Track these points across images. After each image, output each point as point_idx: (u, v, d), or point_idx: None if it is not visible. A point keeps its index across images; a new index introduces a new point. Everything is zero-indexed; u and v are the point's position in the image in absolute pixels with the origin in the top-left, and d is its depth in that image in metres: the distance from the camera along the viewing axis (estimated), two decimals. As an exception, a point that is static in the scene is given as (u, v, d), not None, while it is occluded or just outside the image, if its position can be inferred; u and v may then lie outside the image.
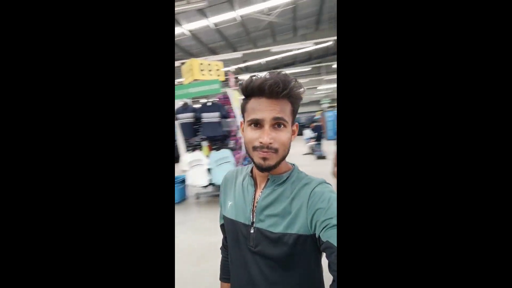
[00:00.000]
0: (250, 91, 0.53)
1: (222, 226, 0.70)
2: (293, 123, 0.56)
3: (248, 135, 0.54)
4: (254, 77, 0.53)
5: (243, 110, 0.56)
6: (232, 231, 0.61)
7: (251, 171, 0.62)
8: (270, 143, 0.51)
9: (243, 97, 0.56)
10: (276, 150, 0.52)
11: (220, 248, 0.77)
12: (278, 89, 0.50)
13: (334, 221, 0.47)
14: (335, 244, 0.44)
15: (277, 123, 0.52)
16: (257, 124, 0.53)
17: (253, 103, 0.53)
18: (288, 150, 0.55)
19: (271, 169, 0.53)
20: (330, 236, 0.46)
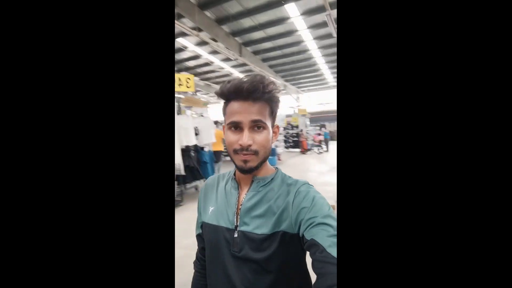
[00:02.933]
0: (227, 95, 0.54)
1: (198, 236, 0.67)
2: (273, 125, 0.57)
3: (229, 138, 0.54)
4: (231, 81, 0.54)
5: (224, 113, 0.57)
6: (213, 238, 0.59)
7: (234, 174, 0.62)
8: (250, 145, 0.52)
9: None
10: (256, 152, 0.53)
11: (194, 262, 0.72)
12: (255, 91, 0.51)
13: (318, 220, 0.48)
14: (319, 241, 0.45)
15: (256, 125, 0.53)
16: (236, 127, 0.53)
17: (232, 106, 0.54)
18: (269, 152, 0.56)
19: (252, 171, 0.54)
20: (314, 234, 0.46)
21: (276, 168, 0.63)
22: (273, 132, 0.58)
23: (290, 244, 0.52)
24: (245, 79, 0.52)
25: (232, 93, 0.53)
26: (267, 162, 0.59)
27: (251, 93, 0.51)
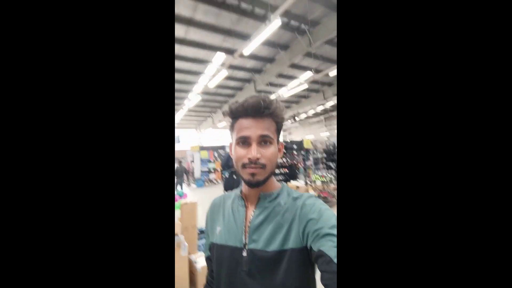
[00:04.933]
0: (236, 113, 0.58)
1: (208, 259, 0.67)
2: (278, 142, 0.60)
3: (237, 153, 0.57)
4: (237, 101, 0.58)
5: (232, 130, 0.60)
6: (222, 258, 0.59)
7: (241, 192, 0.63)
8: (258, 159, 0.54)
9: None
10: (263, 166, 0.55)
11: (204, 286, 0.71)
12: (261, 108, 0.55)
13: (325, 230, 0.48)
14: (326, 252, 0.46)
15: (263, 140, 0.56)
16: (244, 142, 0.56)
17: (240, 123, 0.57)
18: (275, 166, 0.59)
19: (260, 184, 0.56)
20: (322, 245, 0.47)
21: (282, 182, 0.64)
22: (278, 148, 0.60)
23: (299, 260, 0.53)
24: (251, 98, 0.56)
25: (239, 111, 0.57)
26: (273, 177, 0.61)
27: (255, 109, 0.55)
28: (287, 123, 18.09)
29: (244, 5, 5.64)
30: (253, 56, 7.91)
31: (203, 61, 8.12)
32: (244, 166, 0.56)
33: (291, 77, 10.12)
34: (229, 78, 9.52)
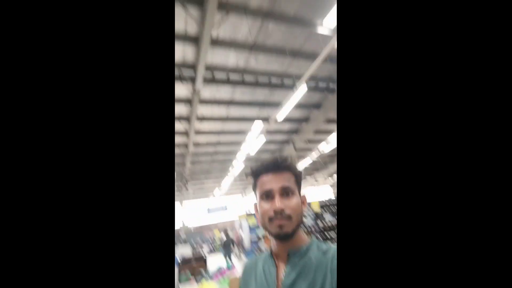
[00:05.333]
0: (257, 171, 0.64)
1: None
2: (300, 194, 0.63)
3: (262, 208, 0.60)
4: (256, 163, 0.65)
5: (255, 188, 0.65)
6: None
7: (270, 252, 0.65)
8: (282, 210, 0.57)
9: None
10: (289, 217, 0.58)
11: None
12: (278, 162, 0.62)
13: None
14: None
15: (285, 192, 0.60)
16: (268, 195, 0.60)
17: (262, 180, 0.63)
18: (301, 218, 0.61)
19: (288, 237, 0.58)
20: None
21: (311, 235, 0.64)
22: (301, 201, 0.63)
23: None
24: (267, 158, 0.65)
25: (259, 169, 0.64)
26: (301, 231, 0.62)
27: (273, 164, 0.62)
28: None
29: (274, 80, 6.49)
30: (288, 119, 8.47)
31: (244, 132, 8.96)
32: (270, 219, 0.58)
33: (329, 132, 10.23)
34: (269, 142, 10.08)
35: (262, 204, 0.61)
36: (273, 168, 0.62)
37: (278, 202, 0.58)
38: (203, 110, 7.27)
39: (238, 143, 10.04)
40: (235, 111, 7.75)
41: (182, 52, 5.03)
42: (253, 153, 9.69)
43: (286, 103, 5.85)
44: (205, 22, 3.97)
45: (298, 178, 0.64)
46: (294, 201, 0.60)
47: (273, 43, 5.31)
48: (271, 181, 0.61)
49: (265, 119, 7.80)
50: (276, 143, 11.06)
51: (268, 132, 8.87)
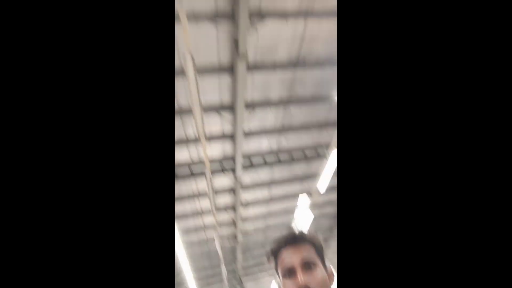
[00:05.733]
0: (275, 248, 0.62)
1: None
2: (325, 267, 0.59)
3: (286, 287, 0.56)
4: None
5: (276, 269, 0.62)
6: None
7: None
8: (306, 285, 0.52)
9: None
10: None
11: None
12: (295, 234, 0.61)
13: None
14: None
15: (307, 265, 0.56)
16: (290, 272, 0.56)
17: (281, 257, 0.60)
18: None
19: None
20: None
21: None
22: (328, 274, 0.58)
23: None
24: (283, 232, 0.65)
25: (278, 245, 0.63)
26: None
27: (291, 236, 0.61)
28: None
29: (308, 152, 6.69)
30: (331, 188, 8.07)
31: (291, 211, 8.60)
32: None
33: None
34: (320, 217, 9.33)
35: (285, 283, 0.57)
36: (290, 241, 0.60)
37: (300, 276, 0.54)
38: (246, 196, 7.46)
39: (287, 225, 9.46)
40: (277, 190, 7.75)
41: (221, 148, 5.75)
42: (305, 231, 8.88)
43: (323, 173, 5.77)
44: (236, 120, 4.70)
45: (319, 248, 0.61)
46: (318, 275, 0.56)
47: (298, 122, 5.81)
48: (291, 256, 0.57)
49: (308, 193, 7.56)
50: (328, 217, 10.13)
51: (316, 206, 8.37)
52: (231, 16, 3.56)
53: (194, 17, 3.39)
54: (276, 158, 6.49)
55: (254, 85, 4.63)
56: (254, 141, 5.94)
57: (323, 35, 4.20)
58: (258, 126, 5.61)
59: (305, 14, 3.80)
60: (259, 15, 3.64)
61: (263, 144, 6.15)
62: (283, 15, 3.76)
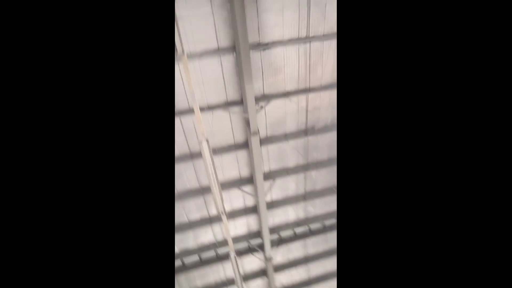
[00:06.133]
0: None
1: None
2: None
3: None
4: None
5: None
6: None
7: None
8: None
9: None
10: None
11: None
12: None
13: None
14: None
15: None
16: None
17: None
18: None
19: None
20: None
21: None
22: None
23: None
24: None
25: None
26: None
27: None
28: None
29: (340, 219, 6.15)
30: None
31: (336, 293, 7.19)
32: None
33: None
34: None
35: None
36: None
37: None
38: (281, 278, 6.56)
39: None
40: (315, 268, 6.77)
41: (246, 224, 5.55)
42: None
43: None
44: (257, 193, 4.72)
45: None
46: None
47: (321, 186, 5.65)
48: None
49: (354, 267, 6.47)
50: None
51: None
52: (241, 101, 4.16)
53: (209, 108, 4.02)
54: (307, 228, 6.00)
55: (270, 156, 4.86)
56: (279, 213, 5.71)
57: (325, 103, 4.61)
58: (281, 196, 5.51)
59: (304, 91, 4.33)
60: (264, 98, 4.21)
61: (290, 214, 5.86)
62: (286, 94, 4.31)
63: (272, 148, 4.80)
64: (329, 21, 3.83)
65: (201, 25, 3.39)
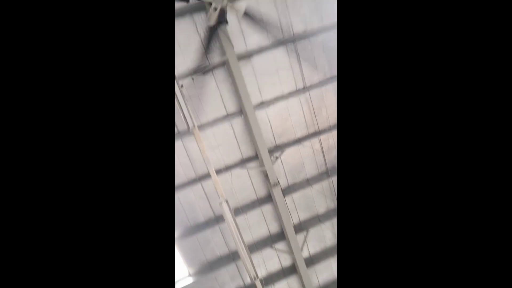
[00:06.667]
0: None
1: None
2: None
3: None
4: None
5: None
6: None
7: None
8: None
9: None
10: None
11: None
12: None
13: None
14: None
15: None
16: None
17: None
18: None
19: None
20: None
21: None
22: None
23: None
24: None
25: None
26: None
27: None
28: None
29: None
30: None
31: None
32: None
33: None
34: None
35: None
36: None
37: None
38: None
39: None
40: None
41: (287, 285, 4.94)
42: None
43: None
44: (292, 249, 4.36)
45: None
46: None
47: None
48: None
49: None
50: None
51: None
52: (256, 156, 4.30)
53: (226, 168, 4.17)
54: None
55: (296, 205, 4.66)
56: (321, 268, 5.08)
57: (339, 141, 4.61)
58: (319, 248, 5.00)
59: (314, 134, 4.43)
60: (277, 149, 4.34)
61: (335, 267, 5.18)
62: (297, 141, 4.42)
63: (296, 196, 4.64)
64: (321, 69, 4.19)
65: (210, 99, 3.86)
